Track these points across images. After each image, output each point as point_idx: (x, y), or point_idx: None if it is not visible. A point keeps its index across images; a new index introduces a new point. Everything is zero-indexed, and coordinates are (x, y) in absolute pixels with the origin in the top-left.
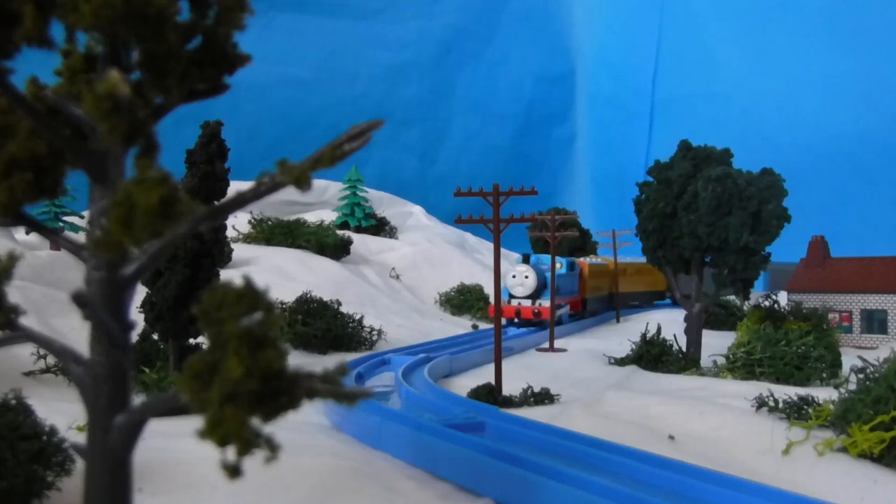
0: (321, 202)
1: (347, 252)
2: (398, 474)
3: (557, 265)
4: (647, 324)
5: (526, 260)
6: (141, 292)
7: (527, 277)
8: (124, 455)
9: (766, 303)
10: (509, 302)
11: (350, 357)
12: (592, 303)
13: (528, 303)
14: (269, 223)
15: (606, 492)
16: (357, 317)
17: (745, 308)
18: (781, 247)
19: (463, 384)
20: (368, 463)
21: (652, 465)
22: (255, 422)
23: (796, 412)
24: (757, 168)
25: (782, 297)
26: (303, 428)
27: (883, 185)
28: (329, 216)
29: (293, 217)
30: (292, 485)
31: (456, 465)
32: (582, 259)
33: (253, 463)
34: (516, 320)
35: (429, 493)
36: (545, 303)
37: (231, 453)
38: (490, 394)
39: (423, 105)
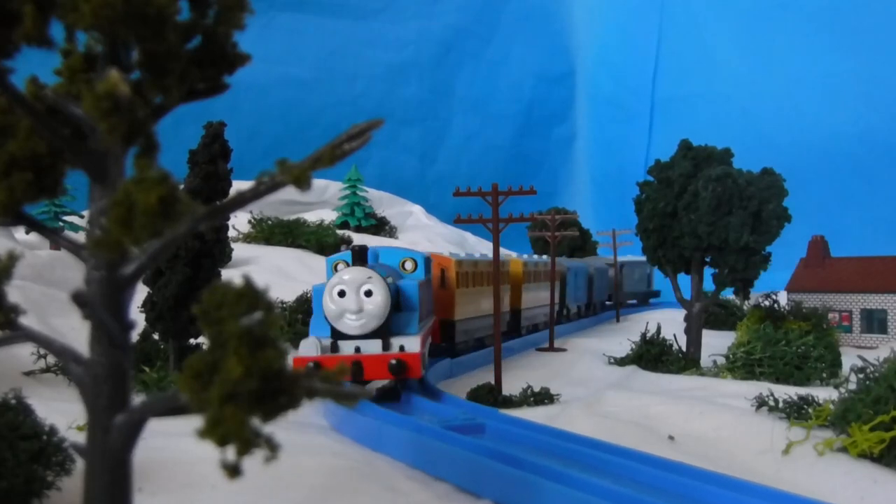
0: (321, 202)
1: None
2: (398, 475)
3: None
4: (647, 323)
5: (360, 257)
6: (142, 292)
7: (369, 294)
8: (124, 455)
9: (766, 303)
10: (334, 347)
11: None
12: (474, 329)
13: (374, 345)
14: (269, 223)
15: (606, 493)
16: None
17: (745, 308)
18: (781, 247)
19: (465, 385)
20: (368, 463)
21: (652, 467)
22: (255, 421)
23: (796, 412)
24: (757, 168)
25: (782, 297)
26: (302, 429)
27: (883, 185)
28: (329, 216)
29: (293, 217)
30: (292, 485)
31: (456, 467)
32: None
33: (253, 463)
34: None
35: (429, 494)
36: (412, 343)
37: (231, 453)
38: (490, 394)
39: (423, 105)
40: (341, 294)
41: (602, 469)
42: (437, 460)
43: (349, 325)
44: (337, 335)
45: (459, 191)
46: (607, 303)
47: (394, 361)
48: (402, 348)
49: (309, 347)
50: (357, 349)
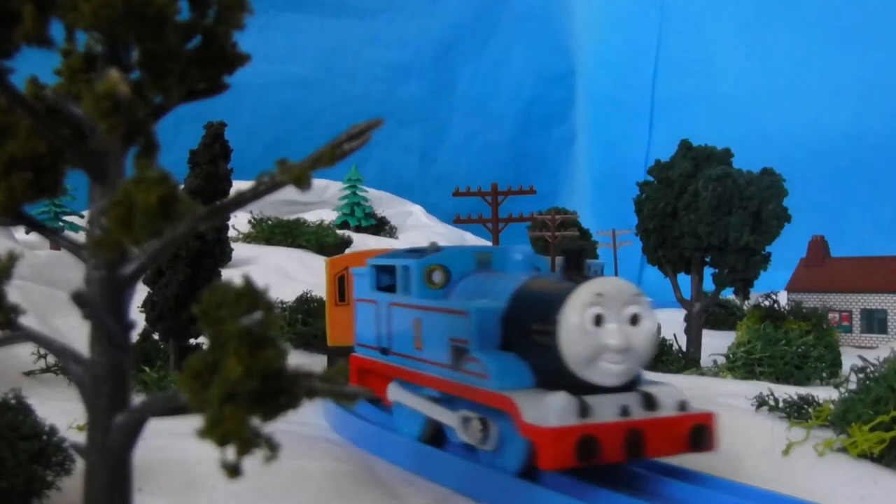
0: (321, 202)
1: None
2: (397, 480)
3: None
4: None
5: (578, 264)
6: (142, 292)
7: (636, 321)
8: (124, 455)
9: (766, 303)
10: (583, 410)
11: None
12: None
13: (635, 403)
14: (269, 223)
15: (605, 500)
16: None
17: (745, 308)
18: (781, 247)
19: None
20: (368, 468)
21: (652, 472)
22: (255, 421)
23: (796, 412)
24: (757, 168)
25: (782, 297)
26: (302, 431)
27: (883, 185)
28: (329, 216)
29: (293, 217)
30: (293, 486)
31: (454, 472)
32: None
33: (253, 464)
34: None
35: (428, 498)
36: (681, 395)
37: (231, 453)
38: None
39: (423, 105)
40: (598, 320)
41: (600, 474)
42: (435, 465)
43: (609, 370)
44: (579, 387)
45: (459, 191)
46: None
47: (694, 427)
48: (682, 406)
49: (564, 412)
50: (625, 410)
